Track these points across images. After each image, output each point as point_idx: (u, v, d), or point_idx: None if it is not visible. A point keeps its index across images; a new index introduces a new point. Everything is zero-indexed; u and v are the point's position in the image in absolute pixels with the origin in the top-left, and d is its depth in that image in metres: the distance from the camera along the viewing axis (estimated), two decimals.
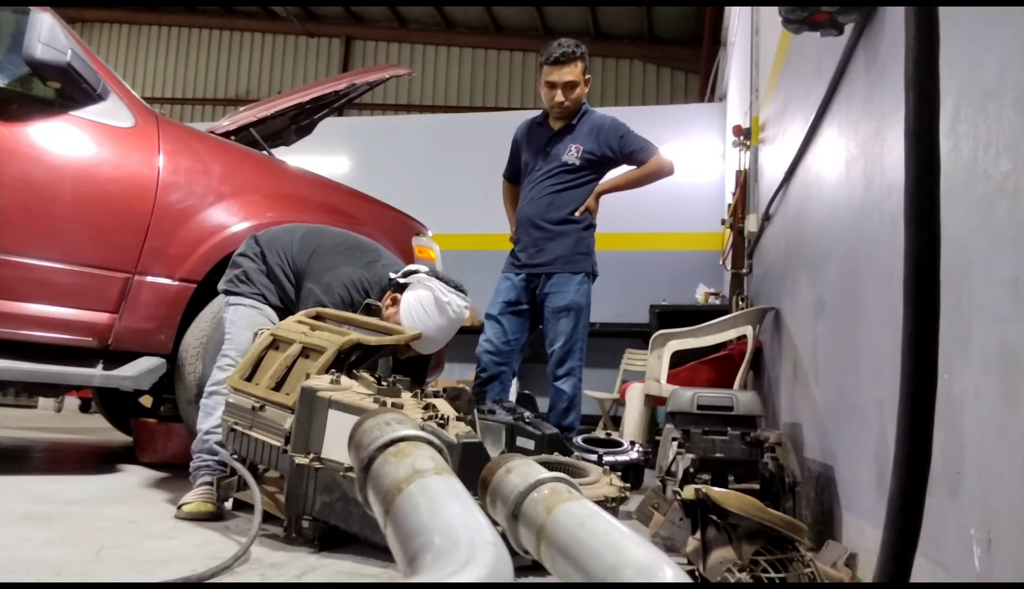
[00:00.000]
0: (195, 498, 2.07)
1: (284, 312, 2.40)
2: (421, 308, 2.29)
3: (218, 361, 2.33)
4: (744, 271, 4.73)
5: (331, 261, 2.44)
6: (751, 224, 4.36)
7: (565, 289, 3.27)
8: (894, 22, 1.57)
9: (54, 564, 1.49)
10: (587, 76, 3.38)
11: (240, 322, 2.34)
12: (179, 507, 2.06)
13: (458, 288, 2.40)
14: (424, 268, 2.43)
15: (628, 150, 3.39)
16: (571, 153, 3.36)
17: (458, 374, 7.09)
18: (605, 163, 3.42)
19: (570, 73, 3.30)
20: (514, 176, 3.66)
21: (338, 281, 2.38)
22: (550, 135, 3.44)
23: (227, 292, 2.44)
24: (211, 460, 2.19)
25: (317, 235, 2.55)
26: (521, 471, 1.01)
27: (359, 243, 2.59)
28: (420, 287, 2.33)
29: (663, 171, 3.42)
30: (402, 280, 2.38)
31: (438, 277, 2.40)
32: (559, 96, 3.33)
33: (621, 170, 3.49)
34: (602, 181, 3.43)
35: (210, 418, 2.22)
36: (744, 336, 3.69)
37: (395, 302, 2.35)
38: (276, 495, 1.98)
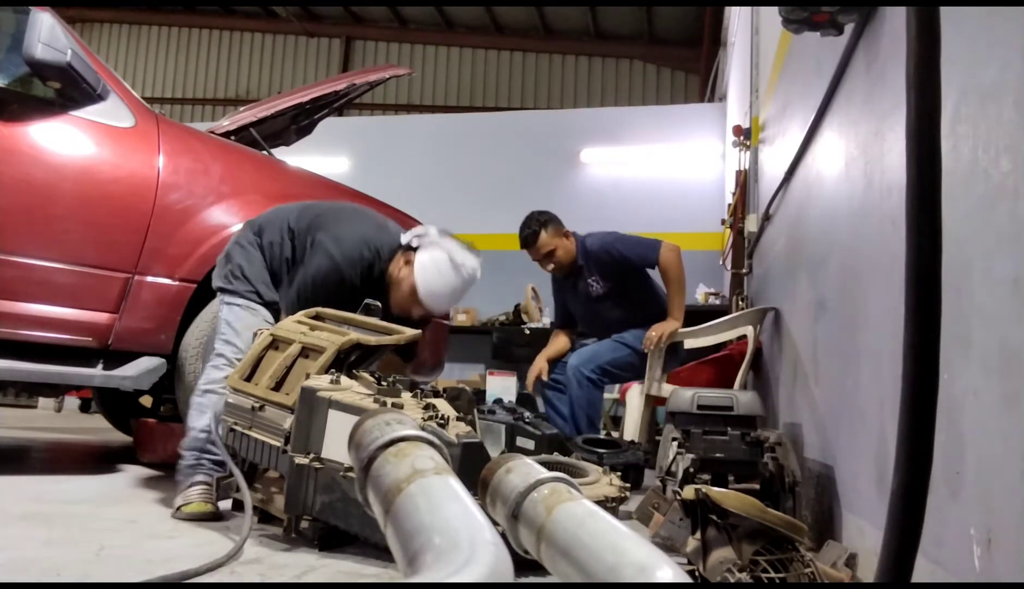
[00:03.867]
0: (195, 498, 2.07)
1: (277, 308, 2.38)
2: (435, 268, 2.28)
3: (212, 360, 2.31)
4: (744, 271, 4.72)
5: (340, 217, 2.43)
6: (751, 224, 4.35)
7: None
8: (894, 22, 1.57)
9: (54, 564, 1.49)
10: (563, 231, 3.80)
11: (235, 323, 2.32)
12: (178, 507, 2.06)
13: (470, 249, 2.39)
14: (434, 228, 2.41)
15: (629, 258, 3.73)
16: (595, 288, 3.85)
17: (458, 374, 7.08)
18: (620, 267, 3.75)
19: (541, 249, 3.76)
20: (566, 324, 4.13)
21: (349, 236, 2.35)
22: (575, 281, 3.92)
23: (221, 290, 2.41)
24: (206, 459, 2.18)
25: (319, 202, 2.54)
26: (521, 471, 1.01)
27: (365, 209, 2.59)
28: (434, 247, 2.32)
29: (679, 262, 3.67)
30: (415, 242, 2.36)
31: (451, 236, 2.38)
32: (547, 267, 3.88)
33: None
34: (668, 322, 3.63)
35: (203, 416, 2.20)
36: (744, 336, 3.69)
37: (408, 263, 2.34)
38: (276, 495, 1.98)
